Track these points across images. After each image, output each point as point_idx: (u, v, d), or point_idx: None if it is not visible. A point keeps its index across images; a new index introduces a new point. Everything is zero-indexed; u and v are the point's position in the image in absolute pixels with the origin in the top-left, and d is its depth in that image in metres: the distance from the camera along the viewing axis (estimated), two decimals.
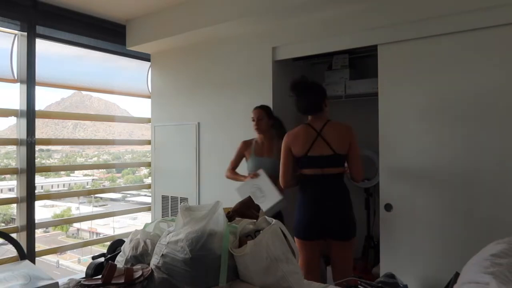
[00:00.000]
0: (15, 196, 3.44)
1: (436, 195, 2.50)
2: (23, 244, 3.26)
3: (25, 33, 3.37)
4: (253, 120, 3.01)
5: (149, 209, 4.45)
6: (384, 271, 2.41)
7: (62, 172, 4.56)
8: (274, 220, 1.33)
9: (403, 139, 2.63)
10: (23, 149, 3.36)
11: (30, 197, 3.38)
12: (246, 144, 3.09)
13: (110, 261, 1.35)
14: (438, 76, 2.50)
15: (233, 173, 3.10)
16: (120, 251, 1.51)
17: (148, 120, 4.45)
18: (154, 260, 1.30)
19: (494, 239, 1.32)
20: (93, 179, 4.85)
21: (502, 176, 2.27)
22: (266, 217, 1.36)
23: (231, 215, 1.41)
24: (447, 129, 2.46)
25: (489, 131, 2.31)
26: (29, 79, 3.36)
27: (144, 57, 4.38)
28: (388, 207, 2.68)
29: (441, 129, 2.49)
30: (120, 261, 1.46)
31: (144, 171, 4.99)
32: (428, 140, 2.53)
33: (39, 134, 3.54)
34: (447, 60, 2.47)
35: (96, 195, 4.68)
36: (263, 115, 3.00)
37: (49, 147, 4.33)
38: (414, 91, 2.60)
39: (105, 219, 4.55)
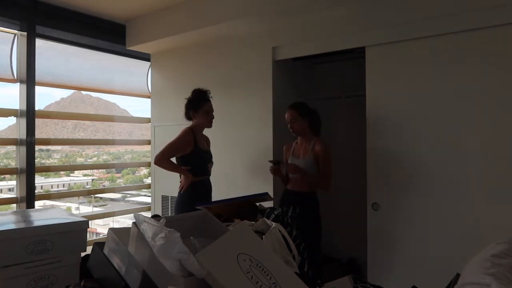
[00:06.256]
0: (14, 196, 3.44)
1: (423, 195, 2.51)
2: None
3: (25, 33, 3.36)
4: (288, 122, 2.85)
5: (149, 209, 4.45)
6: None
7: (62, 172, 4.55)
8: (273, 223, 1.31)
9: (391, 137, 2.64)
10: (23, 149, 3.36)
11: (29, 197, 3.37)
12: (288, 147, 3.00)
13: None
14: (425, 77, 2.53)
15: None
16: None
17: (148, 120, 4.44)
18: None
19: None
20: (93, 179, 4.84)
21: (493, 176, 2.27)
22: (266, 219, 1.35)
23: (229, 217, 1.40)
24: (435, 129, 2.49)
25: (475, 130, 2.33)
26: (29, 79, 3.36)
27: (144, 57, 4.37)
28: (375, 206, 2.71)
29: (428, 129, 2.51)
30: None
31: (144, 171, 4.98)
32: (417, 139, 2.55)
33: (38, 134, 3.54)
34: (434, 61, 2.49)
35: (96, 195, 4.67)
36: (296, 116, 2.81)
37: (49, 147, 4.32)
38: (400, 92, 2.62)
39: (105, 219, 4.54)
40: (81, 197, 4.60)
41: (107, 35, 4.00)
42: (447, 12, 2.42)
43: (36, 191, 3.49)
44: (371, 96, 2.76)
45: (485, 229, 2.29)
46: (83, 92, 4.54)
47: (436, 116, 2.48)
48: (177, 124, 4.01)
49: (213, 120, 3.76)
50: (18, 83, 3.40)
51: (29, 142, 3.35)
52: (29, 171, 3.36)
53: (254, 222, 1.36)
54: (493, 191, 2.28)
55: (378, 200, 2.71)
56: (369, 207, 2.75)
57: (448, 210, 2.42)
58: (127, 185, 4.89)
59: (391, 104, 2.68)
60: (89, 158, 4.87)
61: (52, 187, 4.43)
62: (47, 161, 4.31)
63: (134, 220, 1.09)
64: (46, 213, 1.78)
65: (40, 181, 4.02)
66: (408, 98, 2.60)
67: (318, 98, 3.70)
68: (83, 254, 1.54)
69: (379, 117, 2.73)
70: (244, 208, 1.74)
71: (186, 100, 2.98)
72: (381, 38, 2.70)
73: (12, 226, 1.44)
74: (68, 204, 4.55)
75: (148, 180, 4.71)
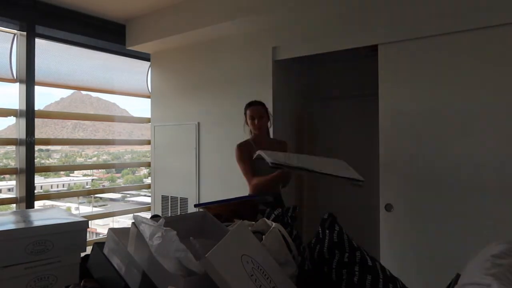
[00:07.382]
0: (14, 196, 3.44)
1: (436, 196, 2.49)
2: None
3: (25, 33, 3.36)
4: (252, 119, 2.69)
5: (149, 209, 4.45)
6: None
7: (62, 172, 4.55)
8: (273, 223, 1.31)
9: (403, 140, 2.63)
10: (23, 149, 3.36)
11: (29, 197, 3.37)
12: (247, 147, 2.66)
13: None
14: (439, 76, 2.49)
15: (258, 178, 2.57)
16: None
17: (148, 120, 4.44)
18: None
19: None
20: (92, 179, 4.84)
21: (504, 177, 2.25)
22: (266, 219, 1.35)
23: (229, 217, 1.39)
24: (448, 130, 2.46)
25: (489, 132, 2.30)
26: (29, 79, 3.36)
27: (144, 57, 4.37)
28: (389, 207, 2.68)
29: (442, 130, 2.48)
30: None
31: (144, 171, 4.98)
32: (429, 140, 2.53)
33: (38, 134, 3.54)
34: (448, 60, 2.45)
35: (96, 195, 4.67)
36: (263, 112, 2.70)
37: (49, 147, 4.32)
38: (414, 91, 2.59)
39: (105, 219, 4.54)
40: (81, 197, 4.60)
41: (107, 35, 4.00)
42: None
43: (35, 191, 3.49)
44: (384, 96, 2.68)
45: (503, 232, 2.24)
46: (83, 92, 4.54)
47: (453, 116, 2.41)
48: (177, 124, 4.02)
49: (213, 120, 3.78)
50: (18, 83, 3.40)
51: (29, 142, 3.35)
52: (28, 171, 3.36)
53: (254, 222, 1.35)
54: (509, 194, 2.22)
55: (391, 201, 2.64)
56: (382, 208, 2.68)
57: (463, 211, 2.37)
58: (127, 185, 4.89)
59: (404, 103, 2.60)
60: (89, 158, 4.86)
61: (51, 187, 4.42)
62: (47, 161, 4.30)
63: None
64: (46, 213, 1.78)
65: (39, 181, 4.02)
66: (423, 98, 2.53)
67: (318, 98, 3.70)
68: (83, 254, 1.53)
69: (392, 116, 2.66)
70: (244, 208, 1.73)
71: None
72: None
73: (12, 226, 1.44)
74: (68, 204, 4.55)
75: (148, 180, 4.71)
